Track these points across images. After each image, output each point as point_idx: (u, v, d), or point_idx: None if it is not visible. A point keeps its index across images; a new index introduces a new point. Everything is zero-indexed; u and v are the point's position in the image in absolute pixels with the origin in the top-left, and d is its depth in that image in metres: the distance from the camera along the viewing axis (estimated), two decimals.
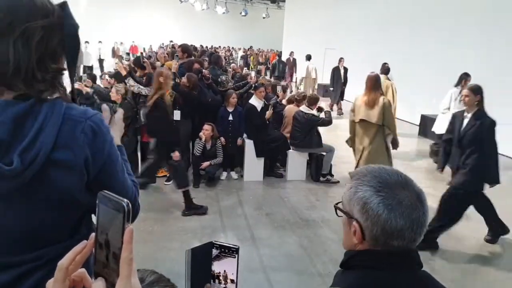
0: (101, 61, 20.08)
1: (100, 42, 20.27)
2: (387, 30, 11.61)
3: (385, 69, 7.84)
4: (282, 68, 14.67)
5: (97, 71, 15.08)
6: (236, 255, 0.81)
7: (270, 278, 3.35)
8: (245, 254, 3.70)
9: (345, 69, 10.90)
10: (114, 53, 21.26)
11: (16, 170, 0.84)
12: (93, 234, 0.59)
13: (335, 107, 11.07)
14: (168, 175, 5.50)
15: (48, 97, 0.94)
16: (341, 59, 10.89)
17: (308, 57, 12.61)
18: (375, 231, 0.88)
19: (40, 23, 0.89)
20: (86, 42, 18.48)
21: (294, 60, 15.36)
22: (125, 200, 0.54)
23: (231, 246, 0.82)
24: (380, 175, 0.92)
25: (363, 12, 13.22)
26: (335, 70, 10.91)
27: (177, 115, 5.14)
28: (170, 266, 3.26)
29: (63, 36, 0.94)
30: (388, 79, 7.71)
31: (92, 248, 0.58)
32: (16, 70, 0.87)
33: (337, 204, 1.01)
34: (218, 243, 0.82)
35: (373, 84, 4.40)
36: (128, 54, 19.92)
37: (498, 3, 7.78)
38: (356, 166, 4.60)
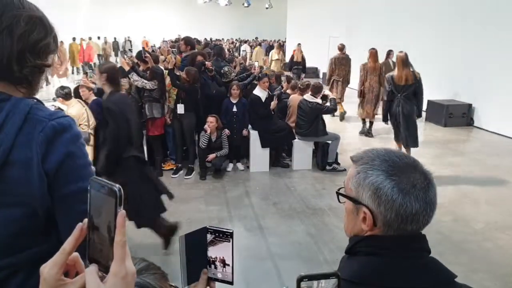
0: None
1: None
2: (393, 17, 11.44)
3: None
4: None
5: None
6: (231, 239, 0.81)
7: (278, 266, 3.37)
8: (253, 243, 3.72)
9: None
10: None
11: None
12: (85, 220, 0.60)
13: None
14: (175, 168, 5.53)
15: (18, 96, 0.91)
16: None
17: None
18: (388, 217, 0.85)
19: (26, 13, 0.89)
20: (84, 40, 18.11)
21: None
22: (117, 185, 0.55)
23: (225, 230, 0.80)
24: (390, 159, 0.88)
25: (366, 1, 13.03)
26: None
27: (180, 108, 5.15)
28: (177, 256, 3.28)
29: (47, 33, 0.94)
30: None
31: (85, 233, 0.59)
32: None
33: (339, 190, 0.97)
34: (212, 228, 0.82)
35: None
36: (130, 50, 19.75)
37: None
38: None
